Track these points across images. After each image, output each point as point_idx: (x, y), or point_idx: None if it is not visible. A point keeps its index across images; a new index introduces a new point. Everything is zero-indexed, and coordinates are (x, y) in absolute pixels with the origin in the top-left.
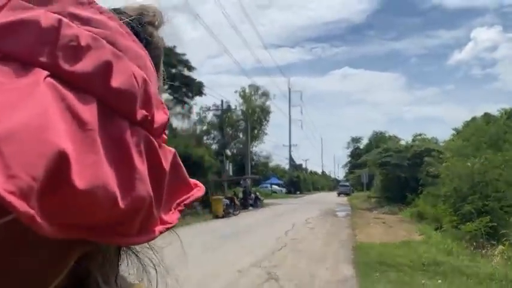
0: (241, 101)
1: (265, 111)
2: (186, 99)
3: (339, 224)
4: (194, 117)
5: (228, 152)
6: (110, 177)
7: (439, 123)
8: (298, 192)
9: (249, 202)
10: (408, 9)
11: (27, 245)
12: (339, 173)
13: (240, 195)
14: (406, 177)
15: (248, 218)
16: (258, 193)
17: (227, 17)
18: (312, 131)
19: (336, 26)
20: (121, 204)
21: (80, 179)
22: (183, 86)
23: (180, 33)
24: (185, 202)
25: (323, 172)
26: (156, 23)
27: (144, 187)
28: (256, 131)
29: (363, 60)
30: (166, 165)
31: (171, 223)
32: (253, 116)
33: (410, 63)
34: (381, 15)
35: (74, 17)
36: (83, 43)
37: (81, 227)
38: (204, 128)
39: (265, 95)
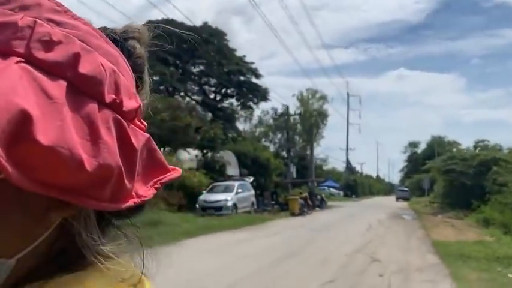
0: (298, 104)
1: (322, 115)
2: (252, 105)
3: (410, 225)
4: (255, 120)
5: (285, 154)
6: (75, 142)
7: (502, 127)
8: (354, 196)
9: (315, 203)
10: (469, 7)
11: (16, 202)
12: (394, 177)
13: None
14: (471, 184)
15: (322, 217)
16: (323, 195)
17: (280, 18)
18: (368, 134)
19: (391, 27)
20: (87, 167)
21: (43, 137)
22: (250, 92)
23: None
24: (161, 181)
25: (377, 176)
26: (140, 38)
27: (111, 157)
28: (313, 134)
29: (420, 61)
30: (137, 144)
31: (145, 197)
32: (311, 119)
33: (471, 64)
34: (440, 15)
35: (50, 20)
36: (55, 38)
37: (53, 186)
38: (262, 130)
39: (323, 98)
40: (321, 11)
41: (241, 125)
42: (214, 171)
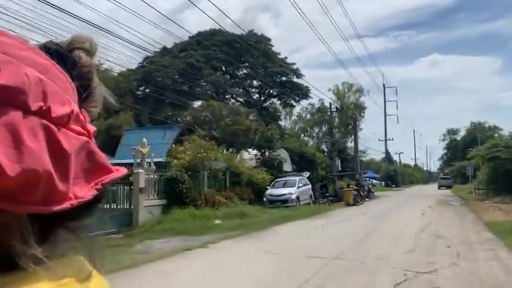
0: (334, 98)
1: (359, 107)
2: (294, 103)
3: (460, 209)
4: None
5: (324, 148)
6: None
7: None
8: (394, 186)
9: (364, 194)
10: None
11: None
12: (432, 165)
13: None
14: None
15: (375, 206)
16: (370, 186)
17: (306, 11)
18: (405, 122)
19: (421, 12)
20: (9, 172)
21: None
22: (292, 91)
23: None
24: (103, 182)
25: (415, 165)
26: (88, 48)
27: (36, 162)
28: (350, 127)
29: (453, 45)
30: (70, 147)
31: (83, 198)
32: (348, 112)
33: (507, 45)
34: None
35: None
36: None
37: None
38: (301, 125)
39: (359, 91)
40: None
41: (281, 122)
42: (273, 168)
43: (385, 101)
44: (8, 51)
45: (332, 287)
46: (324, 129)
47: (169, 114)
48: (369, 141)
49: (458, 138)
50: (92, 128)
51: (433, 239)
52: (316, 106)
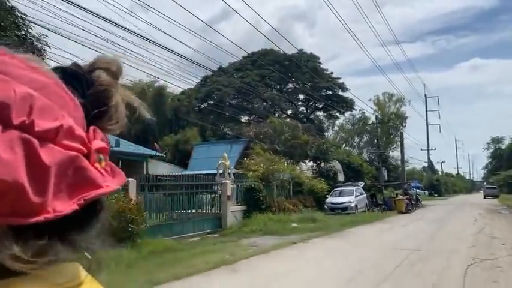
0: (375, 107)
1: (401, 117)
2: (339, 115)
3: (509, 217)
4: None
5: (365, 157)
6: None
7: None
8: (436, 195)
9: (412, 203)
10: None
11: None
12: (474, 174)
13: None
14: None
15: (427, 214)
16: (418, 195)
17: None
18: (446, 130)
19: (460, 16)
20: None
21: None
22: (337, 104)
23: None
24: (86, 197)
25: (458, 173)
26: (108, 67)
27: (7, 172)
28: (392, 136)
29: (495, 49)
30: (50, 161)
31: (61, 212)
32: (389, 122)
33: None
34: None
35: None
36: None
37: None
38: (343, 135)
39: (400, 100)
40: (384, 7)
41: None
42: (329, 178)
43: (426, 111)
44: (5, 70)
45: (420, 267)
46: (364, 138)
47: (230, 129)
48: (410, 150)
49: (503, 146)
50: (98, 145)
51: (489, 239)
52: (357, 116)
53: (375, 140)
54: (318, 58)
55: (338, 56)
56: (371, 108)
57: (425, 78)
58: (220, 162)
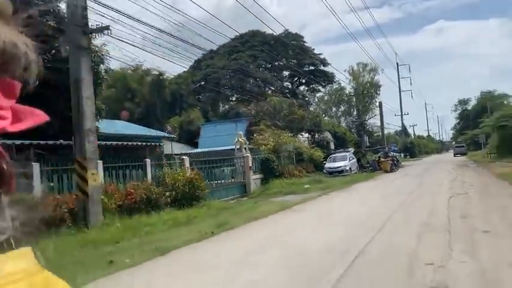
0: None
1: (375, 86)
2: (321, 88)
3: (476, 169)
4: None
5: (344, 125)
6: None
7: None
8: (408, 156)
9: (395, 163)
10: None
11: None
12: (443, 135)
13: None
14: None
15: (409, 171)
16: (397, 157)
17: None
18: (416, 94)
19: None
20: None
21: None
22: (319, 78)
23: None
24: None
25: (428, 135)
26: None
27: None
28: (368, 104)
29: (460, 10)
30: None
31: None
32: (364, 90)
33: None
34: None
35: None
36: None
37: None
38: (322, 107)
39: (374, 70)
40: None
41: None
42: (323, 147)
43: (399, 79)
44: None
45: (418, 201)
46: (341, 108)
47: (230, 108)
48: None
49: (469, 107)
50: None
51: (461, 183)
52: (334, 87)
53: (353, 110)
54: (303, 37)
55: (306, 26)
56: (346, 78)
57: (393, 42)
58: (236, 139)
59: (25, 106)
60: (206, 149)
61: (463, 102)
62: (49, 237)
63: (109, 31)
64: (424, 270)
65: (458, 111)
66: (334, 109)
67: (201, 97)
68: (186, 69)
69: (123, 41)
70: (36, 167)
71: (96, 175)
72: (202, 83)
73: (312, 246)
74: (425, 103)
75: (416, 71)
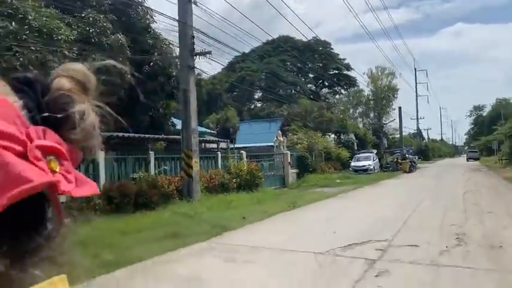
0: (369, 80)
1: (392, 89)
2: (343, 91)
3: (488, 173)
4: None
5: (361, 126)
6: None
7: None
8: (422, 159)
9: (412, 165)
10: None
11: None
12: (456, 139)
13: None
14: None
15: (425, 172)
16: (414, 159)
17: None
18: (431, 98)
19: None
20: None
21: None
22: (342, 81)
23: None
24: (10, 196)
25: (442, 139)
26: (72, 75)
27: None
28: (385, 107)
29: (479, 13)
30: None
31: None
32: (381, 94)
33: None
34: None
35: None
36: None
37: None
38: (341, 108)
39: (391, 74)
40: None
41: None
42: (348, 147)
43: (416, 84)
44: None
45: (440, 193)
46: (359, 109)
47: (262, 109)
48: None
49: (484, 114)
50: (43, 143)
51: (474, 183)
52: (352, 89)
53: (369, 112)
54: (330, 44)
55: (321, 24)
56: (365, 80)
57: (409, 44)
58: (276, 138)
59: (83, 175)
60: (245, 145)
61: (478, 108)
62: (167, 205)
63: (210, 55)
64: (450, 228)
65: (473, 117)
66: (351, 110)
67: (234, 97)
68: (219, 71)
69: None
70: (152, 155)
71: (197, 163)
72: (236, 84)
73: (371, 218)
74: (440, 107)
75: (432, 73)
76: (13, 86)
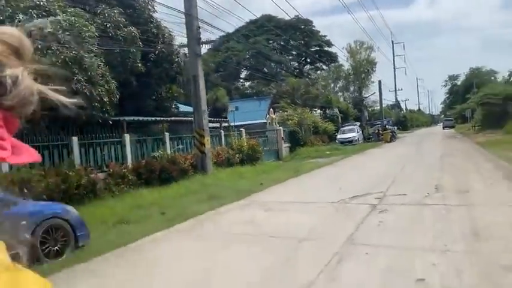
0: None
1: (371, 63)
2: (324, 67)
3: (462, 139)
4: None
5: (341, 100)
6: None
7: None
8: (401, 129)
9: (393, 135)
10: None
11: None
12: (433, 108)
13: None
14: (500, 111)
15: (406, 141)
16: (394, 129)
17: None
18: (408, 69)
19: None
20: None
21: None
22: (323, 57)
23: None
24: None
25: (419, 109)
26: (4, 40)
27: None
28: (364, 80)
29: None
30: None
31: None
32: (360, 68)
33: None
34: None
35: None
36: None
37: None
38: (322, 83)
39: (370, 48)
40: None
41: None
42: (333, 121)
43: (393, 57)
44: None
45: (420, 157)
46: (339, 84)
47: (250, 88)
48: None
49: (459, 83)
50: None
51: (449, 148)
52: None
53: (350, 86)
54: (312, 22)
55: None
56: (344, 55)
57: (385, 15)
58: (268, 115)
59: (22, 143)
60: (239, 123)
61: (452, 77)
62: (187, 178)
63: (215, 42)
64: (430, 181)
65: (448, 87)
66: (332, 85)
67: (222, 77)
68: (205, 52)
69: None
70: (167, 135)
71: (209, 141)
72: (223, 63)
73: (365, 178)
74: (417, 78)
75: (408, 43)
76: None
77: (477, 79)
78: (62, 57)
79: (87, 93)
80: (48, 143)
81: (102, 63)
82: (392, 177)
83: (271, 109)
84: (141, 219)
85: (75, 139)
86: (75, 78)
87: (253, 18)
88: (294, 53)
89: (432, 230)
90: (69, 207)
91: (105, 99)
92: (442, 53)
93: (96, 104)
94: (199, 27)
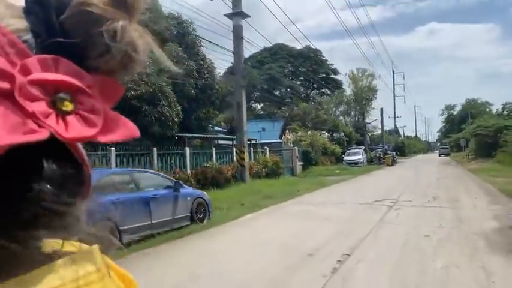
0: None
1: (372, 90)
2: (329, 93)
3: (456, 166)
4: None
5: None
6: None
7: None
8: (399, 154)
9: (394, 159)
10: None
11: None
12: (429, 135)
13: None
14: (491, 142)
15: (406, 165)
16: (394, 154)
17: None
18: (407, 97)
19: None
20: None
21: None
22: (329, 84)
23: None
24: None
25: (416, 136)
26: None
27: None
28: (365, 106)
29: (451, 14)
30: None
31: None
32: (362, 94)
33: (507, 12)
34: None
35: None
36: None
37: None
38: (325, 107)
39: (371, 75)
40: None
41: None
42: (340, 144)
43: (394, 85)
44: None
45: (420, 179)
46: (340, 108)
47: (263, 110)
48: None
49: (455, 112)
50: (40, 76)
51: (445, 173)
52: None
53: (351, 111)
54: (321, 52)
55: (299, 21)
56: (346, 81)
57: (384, 41)
58: (283, 136)
59: (119, 115)
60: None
61: (449, 107)
62: (232, 185)
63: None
64: (429, 194)
65: (445, 116)
66: (334, 109)
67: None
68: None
69: None
70: (214, 150)
71: (247, 156)
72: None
73: (380, 191)
74: (415, 106)
75: (407, 71)
76: (25, 9)
77: (473, 110)
78: (150, 85)
79: (168, 114)
80: (134, 151)
81: (171, 91)
82: (400, 191)
83: (286, 130)
84: (229, 207)
85: (155, 149)
86: (161, 103)
87: (268, 45)
88: (302, 78)
89: (432, 218)
90: (204, 192)
91: (175, 120)
92: (439, 81)
93: (170, 123)
94: (244, 64)
